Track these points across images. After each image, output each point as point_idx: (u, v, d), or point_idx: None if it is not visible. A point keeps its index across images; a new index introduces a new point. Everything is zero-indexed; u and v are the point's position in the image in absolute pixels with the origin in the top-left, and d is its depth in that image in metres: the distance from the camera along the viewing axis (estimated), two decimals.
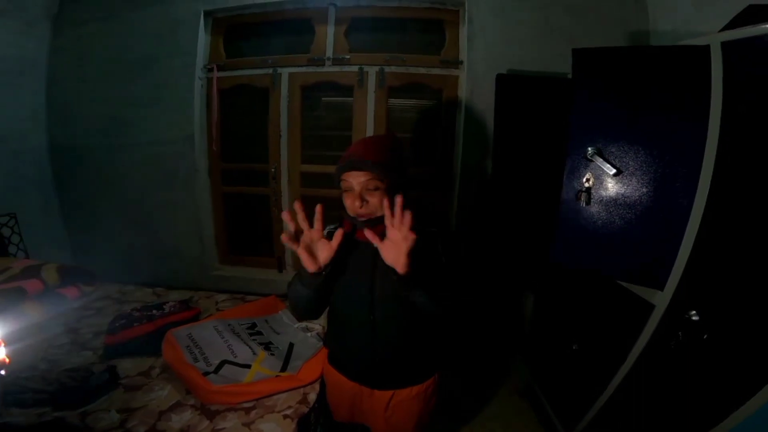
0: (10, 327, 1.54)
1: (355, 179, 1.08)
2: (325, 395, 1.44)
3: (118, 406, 1.31)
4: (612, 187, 1.41)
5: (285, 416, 1.33)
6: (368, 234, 0.99)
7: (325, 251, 1.06)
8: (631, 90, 1.38)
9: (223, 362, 1.56)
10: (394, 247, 0.98)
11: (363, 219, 1.11)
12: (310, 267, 1.06)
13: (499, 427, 2.05)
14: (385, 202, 0.99)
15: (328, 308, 1.31)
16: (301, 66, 2.34)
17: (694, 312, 1.23)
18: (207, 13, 2.36)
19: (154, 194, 2.58)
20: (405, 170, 1.17)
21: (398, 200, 0.94)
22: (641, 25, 2.04)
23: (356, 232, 1.19)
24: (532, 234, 2.00)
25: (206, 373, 1.48)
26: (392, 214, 0.97)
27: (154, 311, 1.89)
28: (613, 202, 1.41)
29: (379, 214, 1.09)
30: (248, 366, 1.55)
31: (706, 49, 1.21)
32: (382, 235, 1.06)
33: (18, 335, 1.53)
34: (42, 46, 2.52)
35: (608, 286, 1.54)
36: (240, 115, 2.56)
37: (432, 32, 2.29)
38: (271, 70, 2.36)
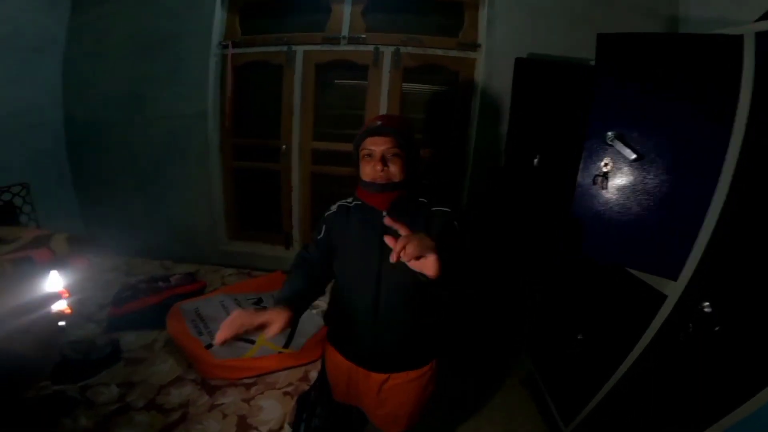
0: (74, 276, 1.49)
1: (378, 145, 1.08)
2: (326, 373, 1.40)
3: (119, 380, 1.26)
4: (630, 173, 1.32)
5: (285, 393, 1.28)
6: (390, 222, 0.87)
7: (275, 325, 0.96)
8: (656, 77, 1.27)
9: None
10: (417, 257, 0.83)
11: (381, 183, 1.09)
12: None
13: (500, 417, 2.00)
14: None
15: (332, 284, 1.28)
16: (317, 44, 2.25)
17: (707, 304, 1.15)
18: None
19: (167, 168, 2.52)
20: (418, 152, 1.17)
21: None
22: (671, 14, 1.92)
23: (366, 199, 1.14)
24: (543, 221, 1.92)
25: (209, 346, 1.44)
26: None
27: (160, 283, 1.85)
28: (631, 189, 1.32)
29: (396, 180, 1.09)
30: (252, 341, 1.51)
31: (739, 38, 1.11)
32: (394, 204, 1.10)
33: None
34: (61, 24, 2.47)
35: (619, 275, 1.47)
36: (254, 92, 2.48)
37: (450, 14, 2.19)
38: (286, 48, 2.27)
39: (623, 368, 1.43)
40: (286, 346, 1.52)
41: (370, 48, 2.19)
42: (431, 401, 1.32)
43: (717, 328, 1.12)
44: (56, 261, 1.74)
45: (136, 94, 2.45)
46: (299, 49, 2.27)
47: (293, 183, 2.48)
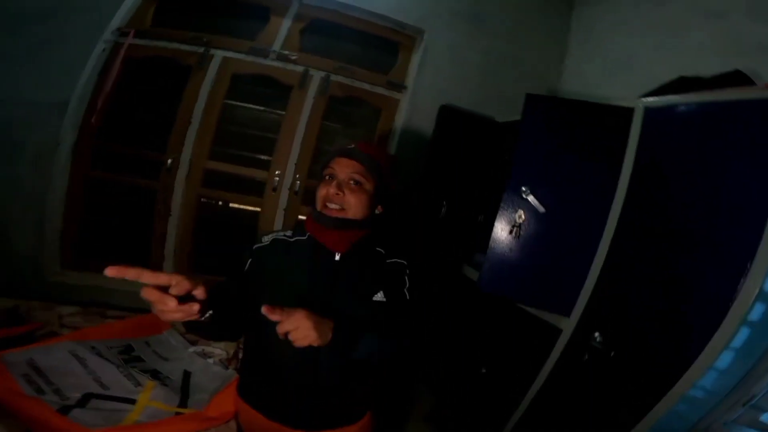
0: None
1: (343, 168, 0.99)
2: None
3: None
4: (537, 224, 1.52)
5: None
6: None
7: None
8: (566, 138, 1.53)
9: (88, 396, 1.13)
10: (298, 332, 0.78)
11: (331, 216, 0.97)
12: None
13: None
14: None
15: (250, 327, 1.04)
16: (241, 53, 2.08)
17: (597, 334, 1.36)
18: None
19: None
20: (391, 195, 1.09)
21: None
22: (553, 84, 2.38)
23: (317, 234, 1.01)
24: (448, 261, 2.05)
25: (65, 409, 1.04)
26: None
27: None
28: (535, 237, 1.52)
29: (349, 216, 0.98)
30: (131, 401, 1.15)
31: (631, 110, 1.41)
32: (354, 247, 1.00)
33: None
34: None
35: (517, 312, 1.64)
36: (146, 92, 2.11)
37: (385, 52, 2.30)
38: (201, 49, 2.03)
39: (529, 397, 1.56)
40: (183, 404, 1.20)
41: (300, 69, 2.11)
42: None
43: (612, 354, 1.30)
44: None
45: None
46: (218, 54, 2.06)
47: (174, 205, 2.09)
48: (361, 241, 1.02)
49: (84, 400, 1.11)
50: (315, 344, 0.78)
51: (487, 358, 1.83)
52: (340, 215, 0.98)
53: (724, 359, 1.10)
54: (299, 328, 0.76)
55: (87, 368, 1.24)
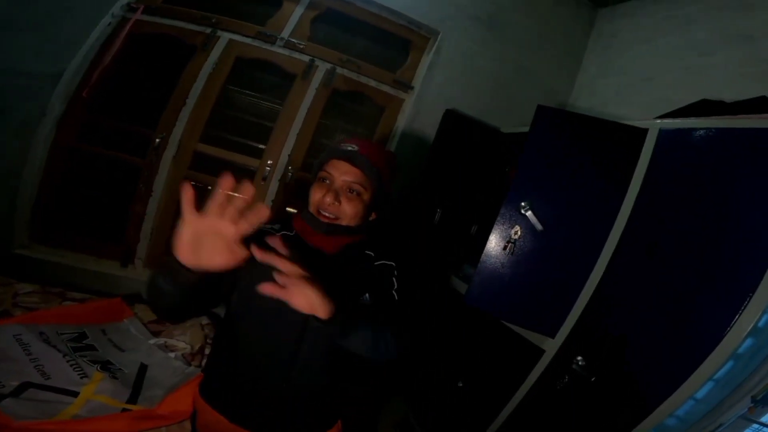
0: None
1: (341, 173, 0.91)
2: None
3: None
4: (533, 241, 1.45)
5: None
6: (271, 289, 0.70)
7: (223, 255, 0.68)
8: (573, 154, 1.45)
9: (26, 385, 1.00)
10: (301, 293, 0.71)
11: (325, 222, 0.89)
12: (184, 258, 0.67)
13: None
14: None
15: (222, 323, 0.97)
16: (248, 36, 2.01)
17: (580, 358, 1.32)
18: None
19: None
20: (388, 198, 1.02)
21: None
22: (564, 98, 2.34)
23: (305, 236, 0.93)
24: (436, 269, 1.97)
25: None
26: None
27: None
28: (530, 255, 1.45)
29: (344, 223, 0.92)
30: (73, 393, 1.02)
31: (644, 131, 1.34)
32: (344, 249, 0.94)
33: None
34: None
35: (503, 329, 1.57)
36: (145, 69, 2.03)
37: (396, 50, 2.23)
38: (209, 29, 1.96)
39: (504, 414, 1.51)
40: (132, 401, 1.08)
41: (306, 58, 2.04)
42: None
43: (593, 379, 1.27)
44: None
45: None
46: (224, 36, 1.99)
47: (156, 185, 1.98)
48: (351, 246, 0.94)
49: (20, 390, 0.98)
50: (316, 309, 0.71)
51: (465, 371, 1.77)
52: (334, 222, 0.90)
53: (704, 389, 1.09)
54: (305, 292, 0.70)
55: (30, 355, 1.11)
